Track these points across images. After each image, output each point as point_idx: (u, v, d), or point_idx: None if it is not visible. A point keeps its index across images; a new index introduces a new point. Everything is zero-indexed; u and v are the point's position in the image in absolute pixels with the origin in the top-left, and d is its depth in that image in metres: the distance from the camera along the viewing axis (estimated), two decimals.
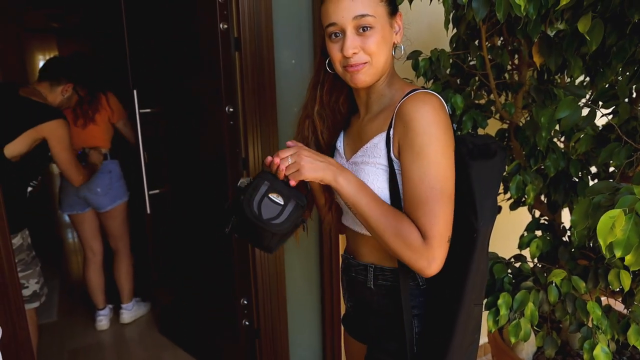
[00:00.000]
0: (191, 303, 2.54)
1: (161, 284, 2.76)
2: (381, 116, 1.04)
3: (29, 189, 2.14)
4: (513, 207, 1.65)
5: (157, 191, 2.45)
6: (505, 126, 1.70)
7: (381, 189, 0.99)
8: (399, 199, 0.98)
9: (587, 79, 1.49)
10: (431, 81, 1.51)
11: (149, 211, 2.42)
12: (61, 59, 2.33)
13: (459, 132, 1.44)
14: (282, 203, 0.97)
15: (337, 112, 1.19)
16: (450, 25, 1.41)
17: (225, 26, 1.88)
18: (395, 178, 0.98)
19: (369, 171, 1.01)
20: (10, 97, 2.08)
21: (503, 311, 1.21)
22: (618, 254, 0.81)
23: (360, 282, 1.13)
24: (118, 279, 2.88)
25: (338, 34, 0.98)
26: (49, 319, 2.94)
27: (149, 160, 2.45)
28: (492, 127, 1.77)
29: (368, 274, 1.10)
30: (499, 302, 1.22)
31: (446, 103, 1.40)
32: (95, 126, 2.64)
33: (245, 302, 2.15)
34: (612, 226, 0.81)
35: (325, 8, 0.99)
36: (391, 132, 0.97)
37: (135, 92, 2.32)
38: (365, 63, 0.98)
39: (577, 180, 1.41)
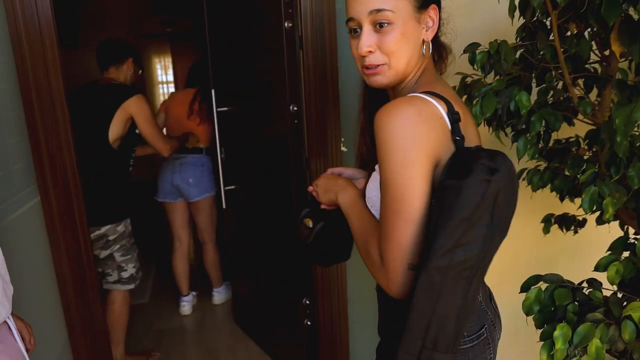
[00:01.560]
0: (262, 298, 2.61)
1: (238, 276, 2.87)
2: None
3: (130, 168, 2.38)
4: (599, 221, 1.42)
5: (232, 187, 2.54)
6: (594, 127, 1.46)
7: (377, 197, 0.92)
8: None
9: None
10: (496, 77, 1.35)
11: (224, 206, 2.52)
12: (109, 42, 2.44)
13: (520, 139, 1.27)
14: (310, 226, 1.13)
15: None
16: (517, 14, 1.24)
17: (290, 24, 1.87)
18: None
19: (372, 178, 0.97)
20: (94, 89, 2.32)
21: (559, 345, 1.03)
22: None
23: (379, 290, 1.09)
24: (206, 268, 3.07)
25: (357, 30, 0.91)
26: (141, 300, 3.21)
27: (227, 158, 2.56)
28: (582, 128, 1.54)
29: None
30: (556, 333, 1.04)
31: (510, 101, 1.24)
32: (202, 124, 2.89)
33: (308, 302, 2.14)
34: None
35: (346, 1, 0.92)
36: None
37: (213, 91, 2.43)
38: (383, 65, 0.89)
39: None
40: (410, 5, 0.88)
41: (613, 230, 1.54)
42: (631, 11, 0.99)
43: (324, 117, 1.90)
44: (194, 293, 3.13)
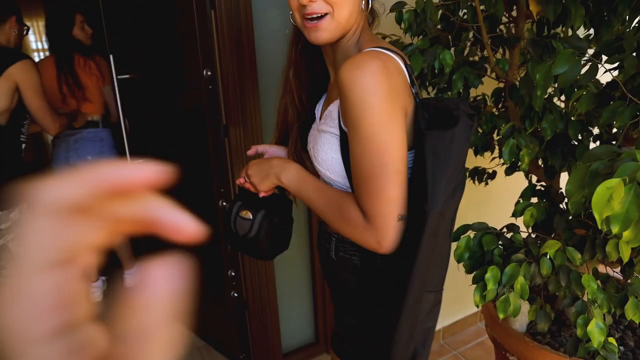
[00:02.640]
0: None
1: (153, 255, 2.71)
2: None
3: (23, 146, 2.07)
4: (508, 172, 1.54)
5: (141, 160, 2.36)
6: (501, 85, 1.57)
7: (335, 159, 0.91)
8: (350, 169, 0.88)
9: (592, 32, 1.35)
10: (419, 37, 1.38)
11: None
12: None
13: (445, 96, 1.32)
14: (250, 218, 1.05)
15: (314, 73, 1.07)
16: None
17: None
18: (347, 148, 0.87)
19: (325, 140, 0.93)
20: None
21: (491, 285, 1.12)
22: (615, 229, 0.71)
23: (326, 250, 1.06)
24: (115, 249, 2.84)
25: None
26: None
27: (133, 130, 2.35)
28: (489, 86, 1.64)
29: (331, 244, 1.03)
30: (487, 276, 1.13)
31: (434, 60, 1.28)
32: (83, 92, 2.51)
33: (233, 273, 2.09)
34: (609, 198, 0.70)
35: None
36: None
37: (111, 57, 2.20)
38: (326, 14, 0.85)
39: (576, 143, 1.30)
40: None
41: (517, 180, 1.70)
42: None
43: (241, 82, 1.81)
44: (103, 278, 2.91)
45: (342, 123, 0.87)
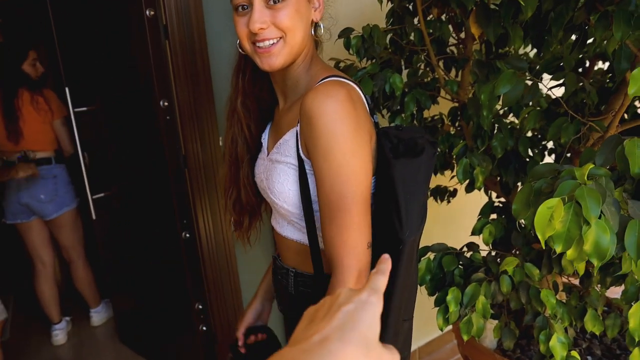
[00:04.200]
0: (149, 310, 2.42)
1: (118, 291, 2.62)
2: (295, 107, 0.91)
3: None
4: (468, 189, 1.56)
5: (101, 195, 2.30)
6: (457, 104, 1.60)
7: (292, 190, 0.88)
8: (309, 201, 0.86)
9: (535, 49, 1.39)
10: (369, 60, 1.39)
11: (94, 216, 2.27)
12: None
13: (397, 119, 1.34)
14: None
15: (262, 102, 1.06)
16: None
17: (152, 12, 1.72)
18: (305, 179, 0.86)
19: (280, 171, 0.90)
20: None
21: (452, 307, 1.12)
22: (558, 248, 0.71)
23: (283, 287, 1.03)
24: (79, 288, 2.74)
25: (245, 7, 0.85)
26: (2, 338, 2.77)
27: (91, 163, 2.29)
28: (446, 105, 1.67)
29: (289, 279, 1.00)
30: (448, 298, 1.12)
31: (385, 84, 1.29)
32: (28, 126, 2.43)
33: (200, 307, 2.04)
34: (550, 217, 0.71)
35: None
36: (298, 128, 0.85)
37: (67, 89, 2.15)
38: (280, 39, 0.84)
39: (527, 159, 1.32)
40: None
41: (477, 197, 1.72)
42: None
43: (198, 111, 1.79)
44: (67, 318, 2.79)
45: (301, 152, 0.85)
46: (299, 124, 0.85)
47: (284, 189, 0.90)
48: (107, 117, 2.21)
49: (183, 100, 1.75)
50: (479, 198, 1.75)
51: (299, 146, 0.86)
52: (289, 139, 0.90)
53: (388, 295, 0.84)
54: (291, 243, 0.99)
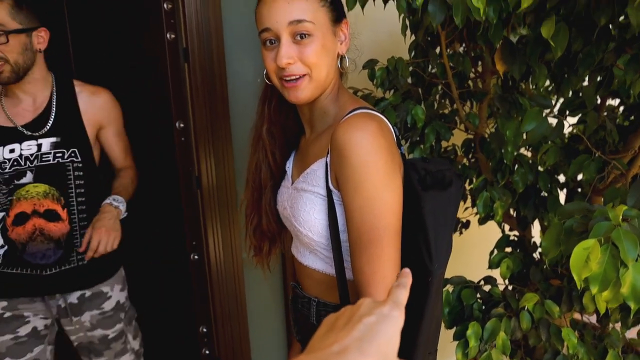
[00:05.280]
0: (151, 330, 2.38)
1: None
2: (324, 137, 0.92)
3: None
4: (482, 222, 1.56)
5: None
6: (471, 136, 1.61)
7: (318, 220, 0.88)
8: (337, 231, 0.87)
9: (552, 84, 1.41)
10: (391, 91, 1.41)
11: None
12: None
13: (416, 150, 1.34)
14: None
15: (287, 130, 1.07)
16: (409, 32, 1.31)
17: (173, 36, 1.75)
18: (334, 209, 0.86)
19: (307, 200, 0.90)
20: None
21: (473, 342, 1.10)
22: (594, 290, 0.71)
23: (305, 317, 1.01)
24: None
25: (273, 41, 0.86)
26: None
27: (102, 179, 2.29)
28: (458, 137, 1.68)
29: (311, 309, 0.98)
30: (468, 332, 1.11)
31: (407, 115, 1.31)
32: None
33: (205, 329, 2.01)
34: (586, 258, 0.71)
35: (259, 11, 0.87)
36: (328, 160, 0.85)
37: None
38: (305, 75, 0.86)
39: (546, 194, 1.33)
40: (327, 17, 0.87)
41: (489, 229, 1.72)
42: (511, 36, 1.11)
43: (214, 133, 1.80)
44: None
45: (330, 184, 0.85)
46: (328, 155, 0.86)
47: (310, 217, 0.90)
48: None
49: (199, 122, 1.76)
50: (490, 230, 1.75)
51: (329, 177, 0.86)
52: (317, 169, 0.90)
53: (416, 328, 0.83)
54: (313, 272, 0.98)
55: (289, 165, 1.05)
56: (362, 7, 1.13)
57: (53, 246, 1.43)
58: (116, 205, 1.53)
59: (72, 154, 1.46)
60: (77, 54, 2.29)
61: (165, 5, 1.69)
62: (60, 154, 1.44)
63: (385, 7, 1.23)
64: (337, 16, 0.89)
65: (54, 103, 1.47)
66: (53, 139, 1.44)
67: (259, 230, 1.10)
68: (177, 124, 1.82)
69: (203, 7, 1.70)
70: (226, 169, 1.82)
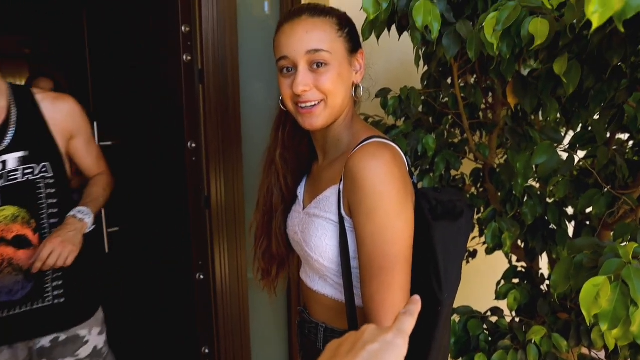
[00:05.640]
0: (152, 350, 2.36)
1: (119, 327, 2.57)
2: (337, 164, 0.94)
3: None
4: (489, 252, 1.56)
5: (116, 229, 2.30)
6: (480, 165, 1.62)
7: (330, 245, 0.89)
8: (348, 257, 0.87)
9: (562, 117, 1.43)
10: (402, 119, 1.43)
11: (107, 250, 2.26)
12: None
13: (425, 179, 1.36)
14: None
15: (301, 155, 1.08)
16: (422, 62, 1.34)
17: (189, 58, 1.79)
18: (345, 236, 0.87)
19: (318, 225, 0.91)
20: None
21: None
22: (604, 327, 0.71)
23: (311, 342, 1.01)
24: None
25: (290, 69, 0.89)
26: None
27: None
28: (466, 166, 1.69)
29: (318, 334, 0.98)
30: None
31: (418, 144, 1.32)
32: None
33: (207, 350, 1.99)
34: (596, 295, 0.71)
35: (277, 40, 0.90)
36: (341, 187, 0.87)
37: (95, 124, 2.20)
38: (321, 102, 0.88)
39: (555, 227, 1.33)
40: (344, 47, 0.89)
41: (496, 259, 1.71)
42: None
43: (226, 155, 1.83)
44: None
45: (343, 210, 0.87)
46: (341, 182, 0.87)
47: (322, 243, 0.91)
48: (131, 153, 2.25)
49: (211, 143, 1.79)
50: (497, 260, 1.74)
51: (341, 204, 0.87)
52: (330, 195, 0.91)
53: (424, 358, 0.83)
54: (321, 297, 0.98)
55: (301, 191, 1.06)
56: (378, 37, 1.16)
57: (22, 278, 1.24)
58: (81, 217, 1.33)
59: (44, 169, 1.28)
60: (95, 70, 2.34)
61: (183, 28, 1.73)
62: (29, 171, 1.26)
63: (400, 38, 1.26)
64: (354, 47, 0.92)
65: (13, 114, 1.27)
66: (20, 154, 1.25)
67: (269, 254, 1.11)
68: (189, 144, 1.84)
69: (220, 31, 1.75)
70: (236, 190, 1.84)
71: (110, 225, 2.25)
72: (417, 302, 0.49)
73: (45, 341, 1.30)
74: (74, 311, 1.34)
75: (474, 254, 1.73)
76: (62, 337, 1.32)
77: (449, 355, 1.23)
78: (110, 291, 2.57)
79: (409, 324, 0.46)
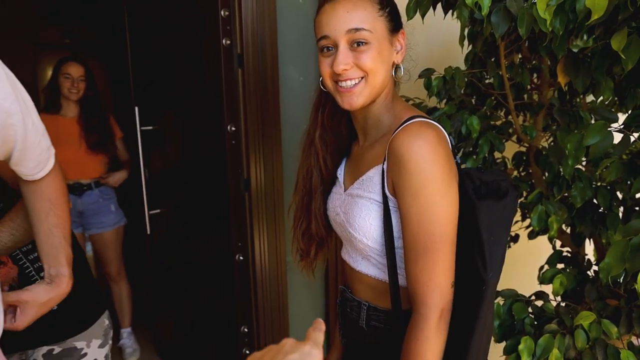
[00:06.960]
0: (191, 330, 2.44)
1: (160, 309, 2.66)
2: (378, 145, 0.93)
3: None
4: (532, 236, 1.53)
5: (157, 211, 2.37)
6: (522, 149, 1.58)
7: (374, 226, 0.90)
8: (392, 237, 0.88)
9: (614, 98, 1.37)
10: (444, 101, 1.41)
11: (149, 232, 2.33)
12: None
13: (468, 161, 1.33)
14: None
15: (340, 137, 1.08)
16: (466, 42, 1.31)
17: (229, 42, 1.80)
18: (389, 215, 0.87)
19: (362, 206, 0.91)
20: None
21: (525, 357, 1.08)
22: None
23: (353, 320, 1.02)
24: (116, 304, 2.80)
25: (330, 48, 0.88)
26: None
27: (150, 179, 2.38)
28: (508, 149, 1.66)
29: (361, 313, 0.99)
30: (520, 347, 1.09)
31: (462, 125, 1.30)
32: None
33: (246, 330, 2.04)
34: None
35: (318, 20, 0.90)
36: (385, 167, 0.86)
37: (137, 108, 2.26)
38: (361, 80, 0.88)
39: (605, 211, 1.29)
40: (385, 27, 0.88)
41: (539, 244, 1.67)
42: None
43: (265, 138, 1.84)
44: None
45: (387, 190, 0.87)
46: (385, 162, 0.87)
47: (366, 223, 0.91)
48: (172, 137, 2.30)
49: (251, 126, 1.80)
50: (538, 245, 1.70)
51: (385, 184, 0.87)
52: (373, 175, 0.91)
53: (469, 336, 0.83)
54: (364, 277, 0.99)
55: (341, 172, 1.06)
56: (423, 16, 1.14)
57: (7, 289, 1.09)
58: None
59: None
60: (135, 56, 2.39)
61: (222, 12, 1.75)
62: None
63: (445, 16, 1.23)
64: (395, 26, 0.91)
65: None
66: None
67: (308, 234, 1.12)
68: (228, 127, 1.87)
69: (259, 15, 1.75)
70: (275, 172, 1.86)
71: (151, 207, 2.32)
72: (320, 323, 0.55)
73: (38, 354, 1.17)
74: (68, 321, 1.19)
75: (515, 239, 1.70)
76: (57, 349, 1.18)
77: (492, 339, 1.22)
78: (152, 272, 2.67)
79: (321, 337, 0.52)
